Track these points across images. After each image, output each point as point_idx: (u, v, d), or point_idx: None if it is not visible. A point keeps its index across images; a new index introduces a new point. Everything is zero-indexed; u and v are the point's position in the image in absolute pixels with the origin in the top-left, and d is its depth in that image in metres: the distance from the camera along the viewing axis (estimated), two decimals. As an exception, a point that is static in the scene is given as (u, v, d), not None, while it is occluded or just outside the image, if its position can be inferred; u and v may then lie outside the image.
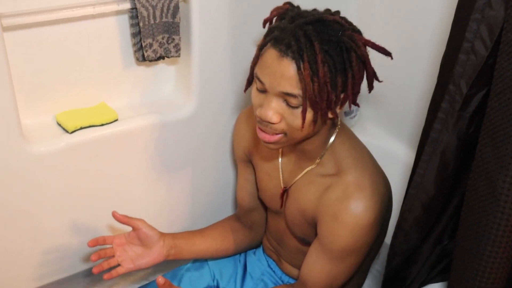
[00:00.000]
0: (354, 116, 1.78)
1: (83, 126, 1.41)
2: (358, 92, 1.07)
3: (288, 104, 1.03)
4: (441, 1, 1.43)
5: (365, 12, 1.64)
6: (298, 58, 0.99)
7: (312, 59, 0.99)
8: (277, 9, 1.12)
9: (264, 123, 1.06)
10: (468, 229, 0.94)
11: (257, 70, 1.06)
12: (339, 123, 1.18)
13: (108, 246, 1.30)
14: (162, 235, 1.30)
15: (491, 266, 0.90)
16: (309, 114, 1.03)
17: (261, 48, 1.06)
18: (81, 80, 1.45)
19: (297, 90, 1.00)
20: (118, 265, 1.27)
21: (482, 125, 0.90)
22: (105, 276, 1.24)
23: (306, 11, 1.08)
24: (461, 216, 0.97)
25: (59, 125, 1.42)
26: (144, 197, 1.58)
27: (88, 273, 1.60)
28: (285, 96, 1.02)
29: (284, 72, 1.00)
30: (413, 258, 1.20)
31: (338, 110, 1.07)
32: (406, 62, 1.60)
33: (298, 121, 1.04)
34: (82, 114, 1.44)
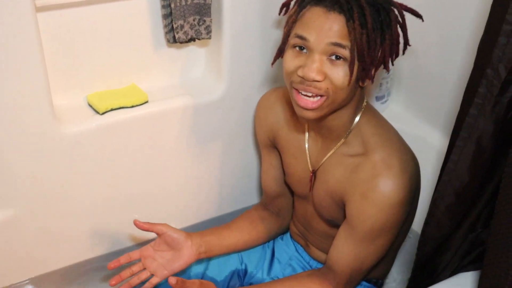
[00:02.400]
0: (386, 101, 1.77)
1: (113, 107, 1.42)
2: (393, 56, 1.09)
3: (332, 60, 1.03)
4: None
5: None
6: (347, 10, 1.00)
7: (360, 11, 1.01)
8: None
9: (307, 83, 1.04)
10: (504, 218, 0.92)
11: (297, 30, 1.05)
12: (365, 102, 1.18)
13: (133, 262, 1.27)
14: (189, 235, 1.29)
15: (526, 256, 0.89)
16: (355, 70, 1.03)
17: (299, 11, 1.06)
18: (112, 61, 1.46)
19: (346, 41, 1.01)
20: (151, 276, 1.25)
21: (521, 111, 0.88)
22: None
23: None
24: (496, 205, 0.95)
25: (90, 106, 1.44)
26: (173, 179, 1.60)
27: (105, 260, 1.61)
28: (333, 48, 1.02)
29: (333, 25, 1.01)
30: (445, 246, 1.19)
31: (373, 73, 1.08)
32: (441, 45, 1.57)
33: (342, 78, 1.03)
34: (113, 96, 1.45)
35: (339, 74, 1.03)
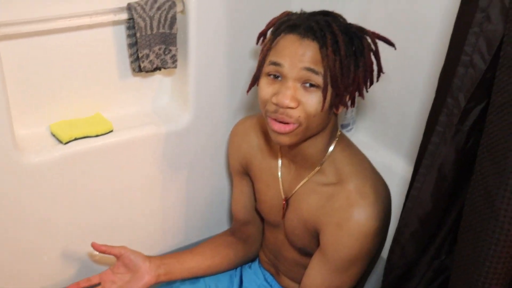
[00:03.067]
0: (351, 129, 1.78)
1: (77, 137, 1.40)
2: (367, 83, 1.11)
3: (306, 87, 1.04)
4: (440, 14, 1.43)
5: (363, 23, 1.64)
6: (320, 37, 1.02)
7: (333, 38, 1.03)
8: (274, 19, 1.14)
9: (280, 111, 1.05)
10: (466, 245, 0.93)
11: (271, 57, 1.07)
12: (339, 131, 1.19)
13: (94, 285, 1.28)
14: (147, 257, 1.29)
15: (489, 282, 0.90)
16: (328, 97, 1.05)
17: (273, 39, 1.08)
18: (76, 90, 1.45)
19: (319, 68, 1.03)
20: None
21: (481, 139, 0.89)
22: None
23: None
24: (459, 231, 0.96)
25: (54, 135, 1.42)
26: (139, 209, 1.58)
27: None
28: (306, 74, 1.03)
29: (306, 51, 1.03)
30: (410, 273, 1.19)
31: (347, 100, 1.10)
32: (404, 74, 1.60)
33: (315, 105, 1.04)
34: (77, 125, 1.43)
35: (313, 101, 1.04)
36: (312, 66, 1.03)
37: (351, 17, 1.57)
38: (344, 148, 1.19)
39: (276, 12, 1.17)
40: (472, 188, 0.91)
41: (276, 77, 1.07)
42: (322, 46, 1.02)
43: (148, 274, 1.26)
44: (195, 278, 1.42)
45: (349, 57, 1.05)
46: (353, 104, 1.12)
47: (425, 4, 1.49)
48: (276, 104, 1.05)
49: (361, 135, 1.79)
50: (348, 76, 1.05)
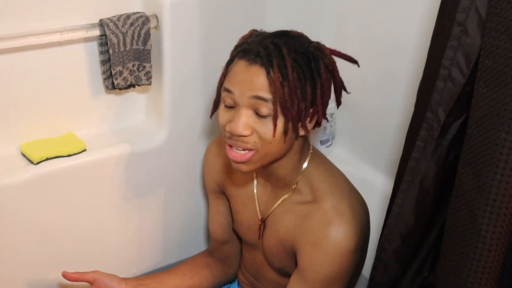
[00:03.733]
0: (330, 145, 1.79)
1: (49, 157, 1.39)
2: (327, 104, 1.10)
3: (258, 114, 1.04)
4: (417, 28, 1.45)
5: (340, 39, 1.65)
6: (267, 63, 1.02)
7: (281, 63, 1.02)
8: (243, 37, 1.13)
9: (235, 138, 1.06)
10: (449, 261, 0.94)
11: (225, 84, 1.07)
12: (311, 148, 1.19)
13: None
14: (123, 279, 1.29)
15: (474, 299, 0.90)
16: (280, 123, 1.04)
17: (228, 64, 1.08)
18: (48, 108, 1.44)
19: (267, 94, 1.02)
20: None
21: (461, 153, 0.90)
22: None
23: (273, 32, 1.12)
24: (442, 247, 0.97)
25: (24, 156, 1.41)
26: (114, 230, 1.56)
27: None
28: (256, 102, 1.03)
29: (254, 78, 1.03)
30: (393, 291, 1.19)
31: (308, 126, 1.08)
32: (382, 89, 1.62)
33: (269, 132, 1.04)
34: (48, 145, 1.42)
35: (266, 127, 1.04)
36: (259, 94, 1.02)
37: (328, 35, 1.59)
38: (318, 165, 1.19)
39: (250, 28, 1.17)
40: (453, 203, 0.92)
41: (230, 106, 1.07)
42: (269, 71, 1.02)
43: None
44: None
45: (305, 80, 1.04)
46: (318, 125, 1.12)
47: (402, 19, 1.51)
48: (230, 132, 1.06)
49: (340, 151, 1.80)
50: (304, 99, 1.04)
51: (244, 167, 1.09)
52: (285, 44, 1.04)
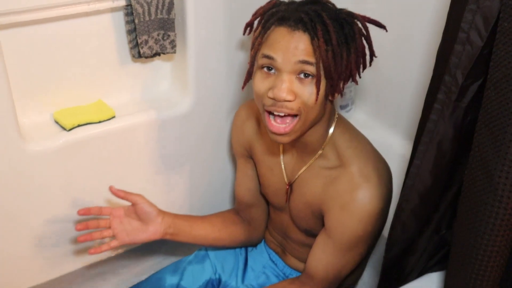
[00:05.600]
0: (350, 109, 1.79)
1: (80, 123, 1.41)
2: (360, 68, 1.09)
3: (301, 77, 1.03)
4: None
5: (358, 6, 1.64)
6: (311, 29, 1.00)
7: (324, 29, 1.01)
8: (261, 8, 1.11)
9: (279, 104, 1.04)
10: (466, 219, 0.94)
11: (265, 51, 1.05)
12: (336, 115, 1.18)
13: (104, 217, 1.26)
14: (162, 212, 1.28)
15: (489, 255, 0.90)
16: (323, 87, 1.03)
17: (264, 32, 1.05)
18: (77, 77, 1.45)
19: (312, 59, 1.01)
20: (112, 238, 1.25)
21: (479, 115, 0.89)
22: (94, 250, 1.22)
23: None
24: (459, 206, 0.97)
25: (57, 123, 1.42)
26: (142, 191, 1.55)
27: (85, 271, 1.59)
28: (301, 66, 1.02)
29: (299, 44, 1.01)
30: (411, 248, 1.20)
31: (342, 87, 1.08)
32: (401, 54, 1.60)
33: (312, 96, 1.03)
34: (79, 112, 1.44)
35: (308, 92, 1.03)
36: (305, 58, 1.01)
37: (347, 1, 1.57)
38: (343, 131, 1.18)
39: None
40: (470, 163, 0.92)
41: (270, 69, 1.05)
42: (313, 37, 1.00)
43: (156, 230, 1.26)
44: (202, 254, 1.44)
45: (341, 45, 1.03)
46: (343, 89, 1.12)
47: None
48: (273, 98, 1.03)
49: (360, 115, 1.80)
50: (341, 64, 1.04)
51: (285, 139, 1.07)
52: (322, 10, 1.03)
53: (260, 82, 1.06)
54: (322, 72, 1.02)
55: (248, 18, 1.15)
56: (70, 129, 1.39)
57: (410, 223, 1.15)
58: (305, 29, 1.01)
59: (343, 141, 1.17)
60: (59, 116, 1.41)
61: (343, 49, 1.04)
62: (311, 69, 1.02)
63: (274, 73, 1.05)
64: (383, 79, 1.69)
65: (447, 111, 1.02)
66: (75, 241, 1.51)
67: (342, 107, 1.76)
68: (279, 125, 1.06)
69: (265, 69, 1.05)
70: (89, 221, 1.23)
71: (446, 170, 1.08)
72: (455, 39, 0.96)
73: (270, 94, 1.04)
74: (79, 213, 1.21)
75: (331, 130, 1.17)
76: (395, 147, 1.66)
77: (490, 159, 0.86)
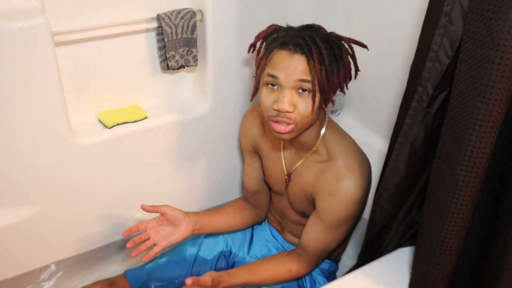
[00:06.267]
0: (339, 114, 1.78)
1: (119, 122, 1.41)
2: (350, 79, 1.10)
3: (300, 92, 1.03)
4: (411, 18, 1.42)
5: (347, 30, 1.64)
6: (307, 52, 1.01)
7: (318, 52, 1.01)
8: (262, 32, 1.12)
9: (282, 114, 1.04)
10: (433, 204, 0.94)
11: (269, 71, 1.05)
12: (327, 118, 1.19)
13: (141, 232, 1.25)
14: (186, 213, 1.27)
15: (450, 233, 0.91)
16: (317, 100, 1.04)
17: (267, 55, 1.05)
18: (117, 85, 1.45)
19: (309, 77, 1.02)
20: (154, 245, 1.23)
21: (445, 119, 0.89)
22: (144, 258, 1.21)
23: (293, 26, 1.10)
24: (427, 193, 0.97)
25: (100, 122, 1.43)
26: (168, 180, 1.58)
27: (122, 244, 1.60)
28: (300, 83, 1.02)
29: (298, 65, 1.01)
30: (388, 228, 1.20)
31: (332, 97, 1.09)
32: (382, 69, 1.59)
33: (308, 108, 1.04)
34: (118, 113, 1.44)
35: (306, 103, 1.04)
36: (303, 77, 1.02)
37: (338, 23, 1.57)
38: (333, 132, 1.18)
39: (276, 22, 1.16)
40: (437, 159, 0.92)
41: (273, 85, 1.05)
42: (309, 59, 1.01)
43: (186, 229, 1.25)
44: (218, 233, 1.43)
45: (332, 64, 1.03)
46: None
47: (398, 10, 1.49)
48: (277, 110, 1.04)
49: (347, 119, 1.79)
50: (332, 80, 1.04)
51: (286, 136, 1.08)
52: (316, 35, 1.03)
53: (266, 97, 1.06)
54: (317, 88, 1.02)
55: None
56: (111, 127, 1.40)
57: (387, 208, 1.15)
58: (303, 52, 1.01)
59: (332, 140, 1.17)
60: (102, 116, 1.42)
61: (334, 67, 1.04)
62: (308, 85, 1.02)
63: (277, 88, 1.05)
64: (366, 90, 1.69)
65: (419, 116, 1.02)
66: (113, 216, 1.52)
67: (333, 112, 1.76)
68: (281, 127, 1.06)
69: (269, 85, 1.06)
70: (134, 237, 1.22)
71: (417, 164, 1.08)
72: (426, 57, 0.96)
73: (275, 107, 1.04)
74: (124, 234, 1.20)
75: (322, 131, 1.17)
76: (376, 145, 1.65)
77: (453, 156, 0.87)
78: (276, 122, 1.06)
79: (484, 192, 0.91)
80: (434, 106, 1.00)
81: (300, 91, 1.03)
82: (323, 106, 1.08)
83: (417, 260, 1.01)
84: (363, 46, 1.12)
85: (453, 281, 1.00)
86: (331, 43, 1.04)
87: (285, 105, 1.02)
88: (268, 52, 1.05)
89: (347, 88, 1.11)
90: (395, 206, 1.15)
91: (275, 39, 1.06)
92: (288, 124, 1.05)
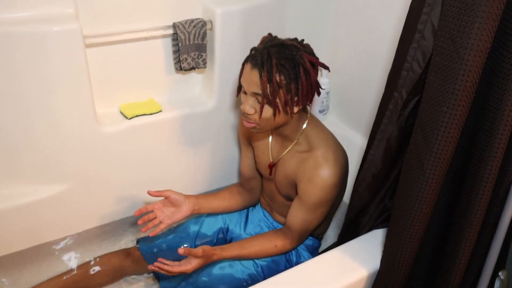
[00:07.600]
0: (326, 113, 1.79)
1: (138, 114, 1.41)
2: (311, 94, 1.08)
3: (258, 101, 1.06)
4: (390, 33, 1.43)
5: (334, 49, 1.64)
6: (260, 69, 1.01)
7: (269, 70, 1.01)
8: (262, 39, 1.12)
9: (245, 115, 1.08)
10: (403, 192, 0.94)
11: (240, 80, 1.09)
12: (309, 114, 1.18)
13: (149, 212, 1.26)
14: (187, 196, 1.27)
15: (417, 218, 0.92)
16: (267, 110, 1.06)
17: (243, 64, 1.08)
18: (137, 82, 1.45)
19: (259, 90, 1.03)
20: (159, 223, 1.24)
21: (416, 120, 0.90)
22: (151, 233, 1.21)
23: (278, 38, 1.09)
24: (399, 183, 0.97)
25: (121, 113, 1.42)
26: (177, 164, 1.58)
27: (134, 222, 1.60)
28: (254, 94, 1.05)
29: (253, 78, 1.03)
30: (364, 212, 1.20)
31: (296, 108, 1.07)
32: (364, 76, 1.59)
33: (266, 114, 1.07)
34: (137, 106, 1.44)
35: (263, 110, 1.06)
36: (255, 90, 1.04)
37: (323, 50, 1.52)
38: (313, 127, 1.18)
39: (273, 31, 1.16)
40: (408, 154, 0.92)
41: (245, 93, 1.09)
42: (260, 75, 1.02)
43: (187, 209, 1.26)
44: (216, 214, 1.44)
45: (288, 80, 1.02)
46: (310, 102, 1.10)
47: (378, 26, 1.49)
48: (242, 111, 1.08)
49: (333, 117, 1.78)
50: (289, 93, 1.03)
51: (254, 131, 1.12)
52: (277, 53, 1.02)
53: (241, 97, 1.11)
54: (264, 100, 1.04)
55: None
56: (131, 118, 1.40)
57: (364, 194, 1.15)
58: (258, 68, 1.02)
59: (313, 133, 1.16)
60: (123, 108, 1.42)
61: (292, 83, 1.02)
62: (259, 97, 1.04)
63: (246, 94, 1.08)
64: (350, 94, 1.68)
65: (394, 117, 1.02)
66: (131, 195, 1.51)
67: (320, 111, 1.75)
68: (246, 122, 1.10)
69: (242, 90, 1.09)
70: (143, 216, 1.23)
71: (391, 158, 1.08)
72: (402, 67, 0.96)
73: (241, 108, 1.08)
74: (135, 214, 1.21)
75: (304, 126, 1.16)
76: (356, 141, 1.64)
77: (422, 152, 0.87)
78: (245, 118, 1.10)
79: (447, 183, 0.92)
80: (407, 109, 1.00)
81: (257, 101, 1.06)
82: (294, 112, 1.07)
83: (389, 240, 1.02)
84: (326, 67, 1.11)
85: (418, 257, 1.01)
86: (294, 61, 1.02)
87: (245, 108, 1.07)
88: (243, 63, 1.08)
89: (309, 104, 1.10)
90: (371, 193, 1.15)
91: (250, 51, 1.07)
92: (249, 123, 1.09)
